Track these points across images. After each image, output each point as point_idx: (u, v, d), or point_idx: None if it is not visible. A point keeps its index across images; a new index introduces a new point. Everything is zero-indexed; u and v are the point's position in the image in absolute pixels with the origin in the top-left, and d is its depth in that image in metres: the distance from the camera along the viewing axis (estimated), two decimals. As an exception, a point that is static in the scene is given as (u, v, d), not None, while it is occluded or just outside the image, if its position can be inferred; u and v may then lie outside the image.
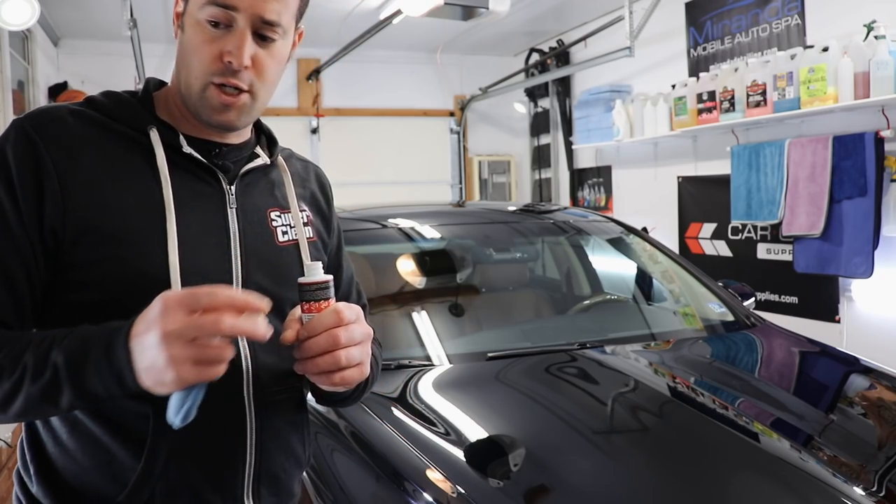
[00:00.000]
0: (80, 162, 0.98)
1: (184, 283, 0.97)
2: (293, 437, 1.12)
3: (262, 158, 1.13)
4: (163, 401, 0.91)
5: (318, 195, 1.24)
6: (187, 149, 1.03)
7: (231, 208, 1.07)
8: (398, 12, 4.38)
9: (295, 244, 1.12)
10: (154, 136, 1.03)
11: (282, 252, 1.11)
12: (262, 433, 1.05)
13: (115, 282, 0.96)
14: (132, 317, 0.91)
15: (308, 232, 1.15)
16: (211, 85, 1.00)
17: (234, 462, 1.03)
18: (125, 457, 0.97)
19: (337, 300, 1.24)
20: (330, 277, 0.98)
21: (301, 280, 0.97)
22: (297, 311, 0.98)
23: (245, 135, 1.14)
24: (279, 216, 1.13)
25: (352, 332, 0.96)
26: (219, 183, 1.07)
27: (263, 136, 1.19)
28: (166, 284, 0.95)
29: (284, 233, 1.12)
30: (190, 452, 0.99)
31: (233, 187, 1.08)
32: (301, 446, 1.14)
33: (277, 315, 1.05)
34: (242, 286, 1.04)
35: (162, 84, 1.12)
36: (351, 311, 0.97)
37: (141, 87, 1.13)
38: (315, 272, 0.97)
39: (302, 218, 1.15)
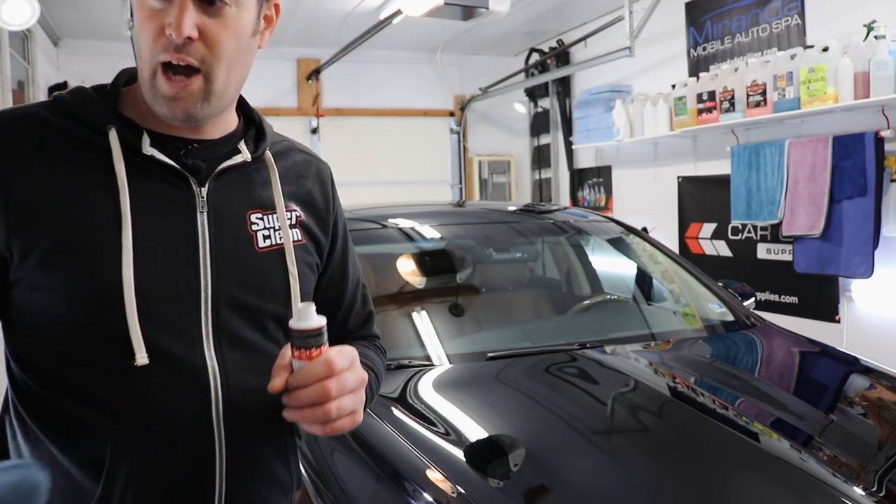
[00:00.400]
0: (27, 172, 0.90)
1: (142, 299, 0.90)
2: (276, 462, 1.03)
3: (243, 155, 1.02)
4: (122, 425, 0.88)
5: (314, 193, 1.12)
6: (148, 150, 0.94)
7: (201, 212, 0.96)
8: (398, 12, 4.38)
9: (278, 249, 1.02)
10: (112, 136, 0.93)
11: (262, 259, 1.00)
12: (235, 459, 0.96)
13: (65, 300, 0.89)
14: (89, 338, 0.89)
15: (295, 234, 1.05)
16: (159, 69, 0.90)
17: (200, 490, 0.95)
18: (84, 481, 0.91)
19: (342, 308, 1.17)
20: (323, 323, 0.89)
21: (292, 325, 0.89)
22: (287, 354, 0.90)
23: (226, 127, 1.03)
24: (261, 218, 1.02)
25: (344, 383, 0.90)
26: (188, 185, 0.97)
27: (253, 127, 1.08)
28: (120, 301, 0.89)
29: (266, 237, 1.01)
30: (151, 479, 0.92)
31: (204, 189, 0.97)
32: (286, 471, 1.05)
33: (257, 329, 0.99)
34: (213, 299, 0.95)
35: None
36: (344, 357, 0.91)
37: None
38: (307, 317, 0.88)
39: (289, 219, 1.05)
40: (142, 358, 0.89)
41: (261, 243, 1.01)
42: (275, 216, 1.03)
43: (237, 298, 0.97)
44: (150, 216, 0.93)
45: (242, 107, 1.08)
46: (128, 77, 1.02)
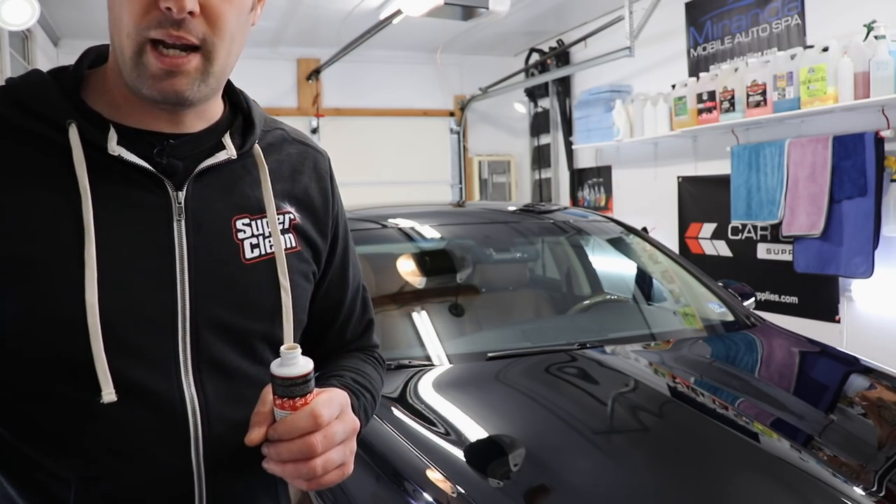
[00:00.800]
0: None
1: (109, 326, 0.78)
2: (263, 498, 0.93)
3: (228, 151, 0.88)
4: (87, 467, 0.79)
5: (311, 190, 0.98)
6: (114, 149, 0.80)
7: (178, 221, 0.84)
8: (398, 12, 4.38)
9: (269, 259, 0.89)
10: (73, 133, 0.80)
11: (249, 272, 0.88)
12: (215, 500, 0.85)
13: (19, 328, 0.77)
14: (48, 371, 0.78)
15: (289, 241, 0.92)
16: (148, 45, 0.77)
17: None
18: None
19: (340, 317, 1.05)
20: (309, 369, 0.78)
21: (274, 371, 0.78)
22: (268, 399, 0.80)
23: (210, 116, 0.90)
24: (248, 225, 0.89)
25: (332, 436, 0.80)
26: (163, 188, 0.83)
27: (241, 116, 0.94)
28: (83, 328, 0.76)
29: (255, 246, 0.88)
30: None
31: (182, 193, 0.84)
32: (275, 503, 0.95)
33: (244, 353, 0.88)
34: (192, 321, 0.83)
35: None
36: (332, 407, 0.81)
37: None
38: (291, 363, 0.78)
39: (282, 223, 0.92)
40: (108, 394, 0.78)
41: (248, 254, 0.88)
42: (264, 221, 0.90)
43: (220, 319, 0.85)
44: (118, 227, 0.81)
45: (228, 92, 0.94)
46: (94, 57, 0.88)
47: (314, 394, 0.80)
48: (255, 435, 0.79)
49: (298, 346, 0.79)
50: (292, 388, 0.78)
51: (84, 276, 0.77)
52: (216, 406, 0.85)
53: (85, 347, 0.77)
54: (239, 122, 0.93)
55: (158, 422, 0.82)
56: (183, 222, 0.84)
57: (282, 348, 0.78)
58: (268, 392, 0.80)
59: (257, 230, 0.89)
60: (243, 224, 0.89)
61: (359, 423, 0.87)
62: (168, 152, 0.84)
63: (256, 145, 0.93)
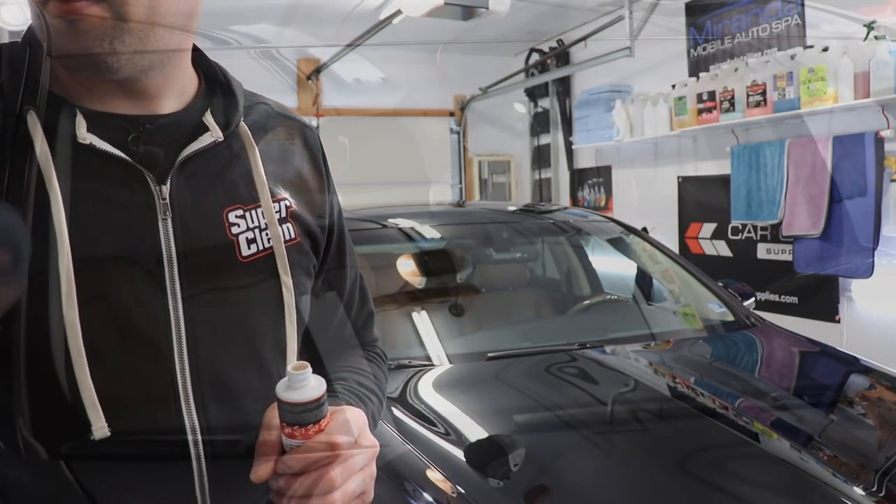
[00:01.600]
0: None
1: (92, 346, 0.67)
2: None
3: (213, 133, 0.76)
4: None
5: (305, 171, 0.86)
6: (85, 137, 0.69)
7: (163, 219, 0.72)
8: (398, 12, 4.38)
9: (268, 255, 0.78)
10: (33, 121, 0.68)
11: (247, 271, 0.76)
12: None
13: None
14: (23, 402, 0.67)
15: (287, 231, 0.80)
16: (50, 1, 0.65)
17: None
18: None
19: (337, 315, 0.95)
20: (322, 391, 0.68)
21: (281, 395, 0.67)
22: (274, 423, 0.69)
23: (182, 93, 0.77)
24: (242, 216, 0.77)
25: (351, 466, 0.71)
26: (143, 183, 0.72)
27: (219, 92, 0.81)
28: (63, 351, 0.66)
29: (251, 241, 0.77)
30: None
31: (166, 187, 0.72)
32: None
33: (249, 367, 0.77)
34: (188, 336, 0.72)
35: None
36: (350, 432, 0.71)
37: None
38: (302, 384, 0.66)
39: (278, 211, 0.80)
40: (100, 429, 0.67)
41: (245, 250, 0.76)
42: (259, 211, 0.78)
43: (220, 330, 0.75)
44: (94, 231, 0.69)
45: (201, 65, 0.82)
46: None
47: (328, 417, 0.69)
48: (262, 471, 0.69)
49: (308, 364, 0.67)
50: (304, 415, 0.67)
51: (60, 289, 0.66)
52: (221, 434, 0.74)
53: (67, 373, 0.66)
54: (218, 98, 0.81)
55: (157, 458, 0.73)
56: (169, 221, 0.72)
57: (288, 368, 0.67)
58: (273, 416, 0.70)
59: (252, 222, 0.78)
60: (236, 216, 0.77)
61: (378, 445, 0.77)
62: (145, 139, 0.73)
63: (242, 123, 0.81)
